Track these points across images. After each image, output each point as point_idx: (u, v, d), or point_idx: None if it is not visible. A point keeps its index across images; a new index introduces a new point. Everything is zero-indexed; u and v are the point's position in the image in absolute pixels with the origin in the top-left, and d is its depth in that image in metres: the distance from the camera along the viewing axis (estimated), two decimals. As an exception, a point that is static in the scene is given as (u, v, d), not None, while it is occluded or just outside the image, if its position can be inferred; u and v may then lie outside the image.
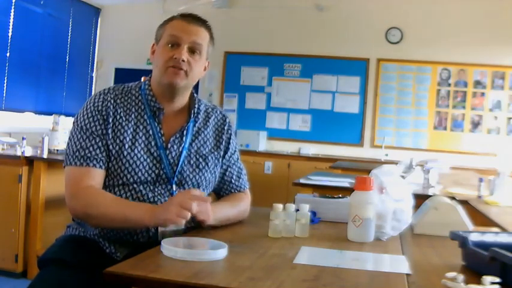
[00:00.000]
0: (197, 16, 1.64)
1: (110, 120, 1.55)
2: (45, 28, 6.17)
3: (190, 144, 1.64)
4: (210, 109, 1.75)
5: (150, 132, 1.58)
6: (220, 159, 1.72)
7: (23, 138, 3.77)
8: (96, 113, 1.55)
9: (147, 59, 6.25)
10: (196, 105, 1.68)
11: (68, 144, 1.57)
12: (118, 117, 1.56)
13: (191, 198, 1.37)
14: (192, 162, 1.63)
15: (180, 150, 1.61)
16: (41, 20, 6.12)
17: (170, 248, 1.19)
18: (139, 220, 1.40)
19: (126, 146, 1.54)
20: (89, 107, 1.58)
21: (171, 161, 1.59)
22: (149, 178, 1.56)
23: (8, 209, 3.39)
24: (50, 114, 4.14)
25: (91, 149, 1.52)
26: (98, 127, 1.54)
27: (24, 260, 3.42)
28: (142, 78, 1.84)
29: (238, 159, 1.79)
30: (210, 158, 1.67)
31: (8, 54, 5.59)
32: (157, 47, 1.62)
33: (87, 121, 1.55)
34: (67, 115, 4.16)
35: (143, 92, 1.63)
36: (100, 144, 1.53)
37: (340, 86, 6.71)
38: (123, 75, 6.95)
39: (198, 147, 1.65)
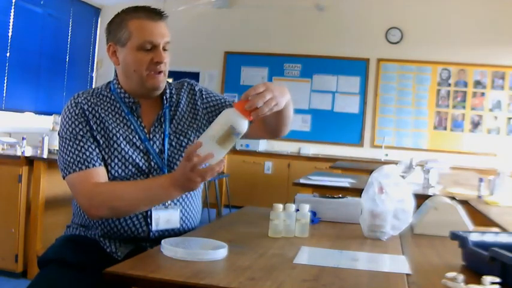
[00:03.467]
0: (158, 10, 1.60)
1: (91, 121, 1.55)
2: (45, 28, 6.17)
3: (169, 127, 1.64)
4: (178, 86, 1.73)
5: (132, 127, 1.58)
6: (204, 127, 1.68)
7: (23, 138, 3.77)
8: (75, 116, 1.55)
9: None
10: (167, 91, 1.67)
11: (60, 156, 1.55)
12: (97, 115, 1.56)
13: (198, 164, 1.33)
14: (174, 143, 1.63)
15: (163, 137, 1.62)
16: (41, 20, 6.12)
17: (170, 248, 1.19)
18: (165, 193, 1.44)
19: (112, 143, 1.55)
20: (66, 115, 1.57)
21: (157, 150, 1.60)
22: (141, 171, 1.57)
23: (8, 209, 3.38)
24: (50, 114, 4.13)
25: (85, 151, 1.51)
26: (84, 129, 1.53)
27: (24, 260, 3.42)
28: None
29: (221, 97, 1.77)
30: (190, 132, 1.66)
31: (8, 54, 5.60)
32: (125, 49, 1.56)
33: (71, 128, 1.54)
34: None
35: (114, 92, 1.63)
36: (90, 143, 1.53)
37: (340, 86, 6.72)
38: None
39: (176, 127, 1.65)
